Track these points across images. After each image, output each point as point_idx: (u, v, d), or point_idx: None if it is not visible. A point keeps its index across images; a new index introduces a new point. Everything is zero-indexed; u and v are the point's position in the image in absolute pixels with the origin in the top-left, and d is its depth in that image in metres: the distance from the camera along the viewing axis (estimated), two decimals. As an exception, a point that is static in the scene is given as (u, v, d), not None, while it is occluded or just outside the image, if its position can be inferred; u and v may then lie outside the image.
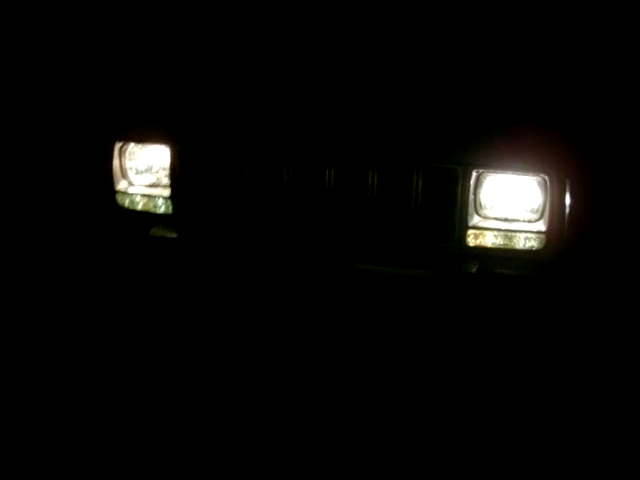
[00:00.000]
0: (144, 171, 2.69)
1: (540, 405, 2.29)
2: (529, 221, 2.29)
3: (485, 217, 2.32)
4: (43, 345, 2.74)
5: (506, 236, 2.31)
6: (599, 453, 2.07)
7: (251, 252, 2.51)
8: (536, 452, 2.09)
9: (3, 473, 2.00)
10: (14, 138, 3.33)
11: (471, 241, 2.33)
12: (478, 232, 2.32)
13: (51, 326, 2.87)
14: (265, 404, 2.35)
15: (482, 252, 2.33)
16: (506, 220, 2.31)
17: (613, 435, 2.15)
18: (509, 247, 2.30)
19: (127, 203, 2.71)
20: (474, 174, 2.28)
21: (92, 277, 3.07)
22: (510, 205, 2.31)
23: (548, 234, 2.26)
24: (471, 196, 2.30)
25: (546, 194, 2.25)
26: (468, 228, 2.32)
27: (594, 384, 2.34)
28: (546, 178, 2.23)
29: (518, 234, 2.30)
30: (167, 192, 2.64)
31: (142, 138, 2.64)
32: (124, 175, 2.69)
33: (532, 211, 2.29)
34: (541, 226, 2.27)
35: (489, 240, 2.32)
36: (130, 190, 2.70)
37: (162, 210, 2.67)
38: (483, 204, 2.31)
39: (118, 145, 2.65)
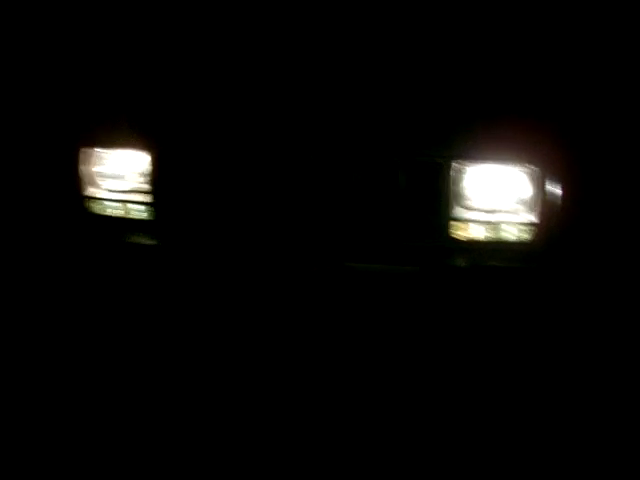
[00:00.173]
0: (118, 177, 2.59)
1: (536, 399, 2.27)
2: (517, 212, 2.25)
3: (472, 209, 2.27)
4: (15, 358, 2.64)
5: (494, 228, 2.27)
6: (593, 448, 2.06)
7: (238, 255, 2.44)
8: (528, 447, 2.08)
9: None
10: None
11: (458, 235, 2.28)
12: (465, 225, 2.27)
13: (24, 339, 2.77)
14: (255, 407, 2.29)
15: (470, 245, 2.28)
16: (493, 212, 2.27)
17: (608, 430, 2.14)
18: (497, 239, 2.26)
19: (99, 210, 2.61)
20: (459, 167, 2.23)
21: (63, 286, 2.95)
22: (497, 197, 2.26)
23: (537, 224, 2.22)
24: (456, 189, 2.25)
25: (534, 184, 2.21)
26: (454, 221, 2.27)
27: (589, 375, 2.33)
28: (534, 169, 2.19)
29: (506, 226, 2.25)
30: (144, 197, 2.55)
31: (116, 143, 2.53)
32: (95, 181, 2.59)
33: (520, 202, 2.24)
34: (529, 217, 2.23)
35: (477, 233, 2.27)
36: (102, 196, 2.60)
37: (138, 216, 2.58)
38: (470, 197, 2.26)
39: (89, 150, 2.55)
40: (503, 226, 2.26)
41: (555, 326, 2.29)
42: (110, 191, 2.59)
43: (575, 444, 2.09)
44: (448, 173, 2.22)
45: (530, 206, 2.23)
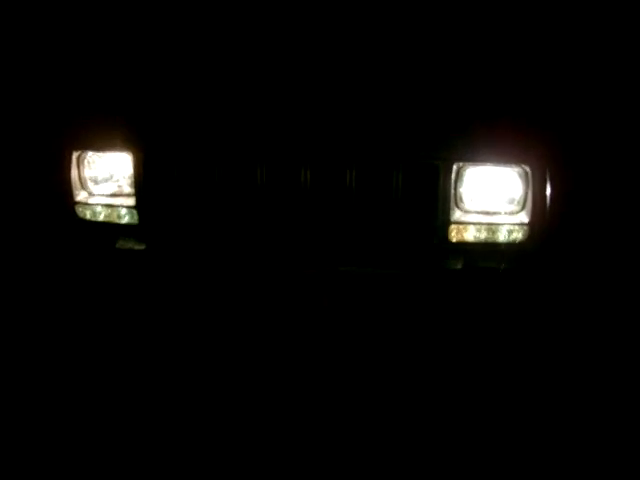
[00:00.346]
0: (105, 180, 2.54)
1: (534, 399, 2.27)
2: (511, 213, 2.27)
3: (467, 211, 2.28)
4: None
5: (489, 229, 2.28)
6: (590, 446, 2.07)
7: (226, 260, 2.40)
8: (526, 446, 2.08)
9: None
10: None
11: (454, 236, 2.29)
12: (461, 227, 2.28)
13: (15, 342, 2.69)
14: (248, 410, 2.26)
15: (466, 247, 2.29)
16: (488, 213, 2.29)
17: (603, 426, 2.16)
18: (493, 240, 2.28)
19: (88, 214, 2.55)
20: (455, 168, 2.24)
21: (54, 292, 2.88)
22: (492, 198, 2.28)
23: (531, 225, 2.24)
24: (453, 191, 2.25)
25: (527, 185, 2.23)
26: (451, 223, 2.28)
27: (584, 374, 2.34)
28: (527, 169, 2.21)
29: (501, 227, 2.27)
30: (131, 201, 2.50)
31: (101, 146, 2.48)
32: (83, 185, 2.53)
33: (514, 203, 2.26)
34: (524, 217, 2.25)
35: (472, 234, 2.28)
36: (90, 201, 2.54)
37: (126, 220, 2.53)
38: (465, 198, 2.28)
39: (76, 154, 2.49)
40: (498, 227, 2.27)
41: (549, 324, 2.31)
42: (99, 195, 2.54)
43: (567, 441, 2.10)
44: (445, 174, 2.23)
45: (525, 207, 2.25)
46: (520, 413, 2.23)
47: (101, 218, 2.54)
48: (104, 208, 2.54)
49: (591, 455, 2.03)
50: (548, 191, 2.21)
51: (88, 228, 2.56)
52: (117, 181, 2.53)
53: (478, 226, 2.28)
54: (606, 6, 2.63)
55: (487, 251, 2.28)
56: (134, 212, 2.50)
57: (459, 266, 2.27)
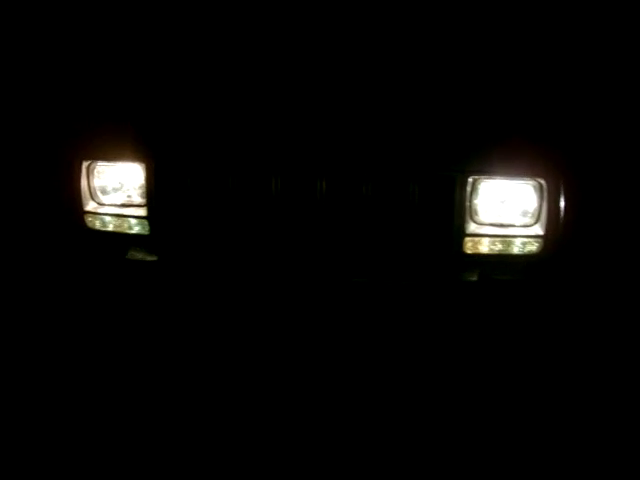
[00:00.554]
0: (115, 190, 2.51)
1: (546, 407, 2.29)
2: (525, 226, 2.29)
3: (483, 224, 2.30)
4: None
5: (504, 242, 2.29)
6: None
7: (241, 270, 2.39)
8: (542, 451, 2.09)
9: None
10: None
11: (469, 248, 2.30)
12: (476, 239, 2.30)
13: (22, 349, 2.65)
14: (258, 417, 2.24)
15: (481, 259, 2.31)
16: (503, 226, 2.30)
17: (612, 434, 2.17)
18: (508, 252, 2.29)
19: (97, 224, 2.52)
20: (470, 181, 2.25)
21: (63, 301, 2.84)
22: (507, 211, 2.29)
23: (545, 237, 2.26)
24: (468, 203, 2.27)
25: (542, 198, 2.24)
26: (466, 235, 2.29)
27: (598, 383, 2.36)
28: (542, 182, 2.23)
29: (516, 239, 2.29)
30: (142, 211, 2.48)
31: (112, 156, 2.45)
32: (93, 195, 2.51)
33: (528, 215, 2.28)
34: (538, 230, 2.27)
35: (488, 247, 2.30)
36: (100, 210, 2.51)
37: (137, 231, 2.50)
38: (480, 211, 2.29)
39: (85, 164, 2.46)
40: (513, 240, 2.29)
41: (564, 334, 2.33)
42: (108, 205, 2.51)
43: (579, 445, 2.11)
44: (461, 187, 2.24)
45: (539, 220, 2.27)
46: (534, 419, 2.24)
47: (111, 228, 2.52)
48: (114, 218, 2.51)
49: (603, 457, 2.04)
50: (562, 204, 2.23)
51: (97, 238, 2.54)
52: (127, 191, 2.51)
53: (493, 238, 2.29)
54: (619, 26, 2.66)
55: (502, 263, 2.30)
56: (145, 222, 2.48)
57: (474, 278, 2.28)
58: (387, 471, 2.03)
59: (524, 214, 2.29)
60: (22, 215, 2.97)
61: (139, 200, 2.48)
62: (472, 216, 2.29)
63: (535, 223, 2.28)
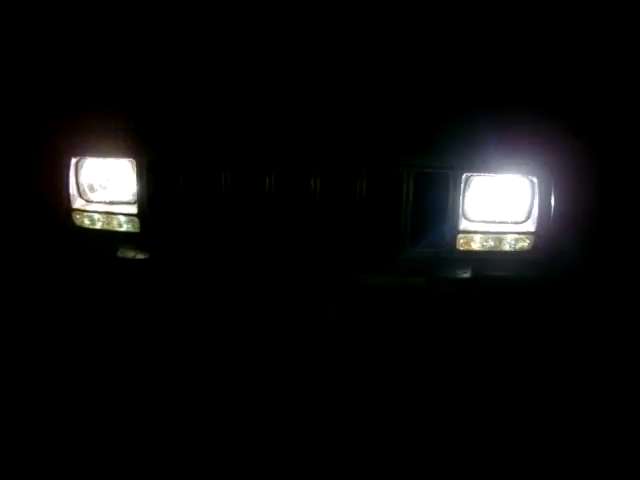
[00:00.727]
0: (104, 187, 2.47)
1: (541, 402, 2.32)
2: (517, 222, 2.32)
3: (475, 221, 2.32)
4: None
5: (496, 238, 2.32)
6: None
7: (234, 268, 2.37)
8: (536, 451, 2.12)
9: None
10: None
11: (463, 245, 2.32)
12: (469, 236, 2.32)
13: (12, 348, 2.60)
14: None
15: (474, 256, 2.33)
16: (495, 223, 2.33)
17: (603, 425, 2.21)
18: (500, 249, 2.32)
19: (86, 222, 2.48)
20: (463, 178, 2.27)
21: (52, 299, 2.79)
22: (499, 207, 2.32)
23: (537, 234, 2.30)
24: (461, 200, 2.28)
25: (533, 195, 2.28)
26: (459, 232, 2.31)
27: (592, 377, 2.41)
28: (533, 179, 2.26)
29: (508, 236, 2.31)
30: (132, 209, 2.44)
31: (101, 152, 2.41)
32: (81, 192, 2.46)
33: (520, 212, 2.31)
34: (530, 226, 2.30)
35: (481, 243, 2.32)
36: (89, 208, 2.47)
37: (126, 228, 2.47)
38: (473, 208, 2.31)
39: (74, 160, 2.42)
40: (505, 236, 2.32)
41: (556, 329, 2.37)
42: (97, 203, 2.47)
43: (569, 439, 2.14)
44: (454, 184, 2.26)
45: (531, 216, 2.30)
46: (526, 412, 2.27)
47: (100, 226, 2.48)
48: (103, 216, 2.47)
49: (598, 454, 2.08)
50: (553, 201, 2.27)
51: (86, 236, 2.49)
52: (117, 188, 2.47)
53: (486, 235, 2.32)
54: (610, 28, 2.71)
55: (495, 259, 2.33)
56: (135, 220, 2.45)
57: (468, 275, 2.30)
58: (380, 463, 2.04)
59: (516, 211, 2.31)
60: (8, 213, 2.90)
61: (129, 197, 2.45)
62: (465, 213, 2.31)
63: (526, 220, 2.31)
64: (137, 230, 2.45)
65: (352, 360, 2.45)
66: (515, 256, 2.33)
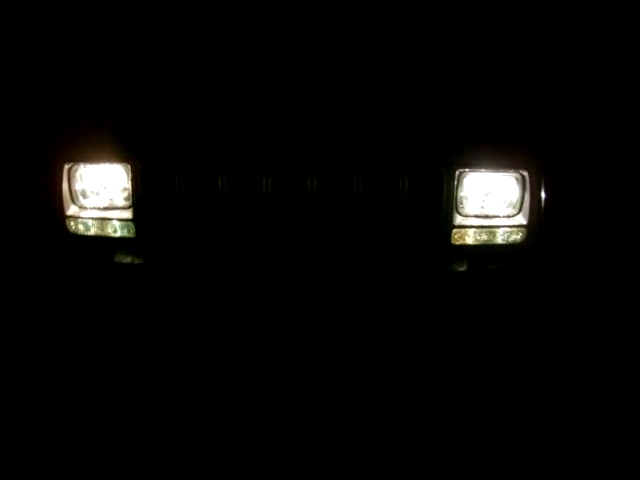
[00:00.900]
0: (98, 193, 2.46)
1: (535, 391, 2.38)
2: (509, 216, 2.38)
3: (469, 215, 2.38)
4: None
5: (490, 232, 2.38)
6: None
7: (233, 269, 2.38)
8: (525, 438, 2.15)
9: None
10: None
11: (458, 240, 2.37)
12: (464, 230, 2.37)
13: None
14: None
15: (469, 249, 2.38)
16: (488, 217, 2.39)
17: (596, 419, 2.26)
18: (494, 242, 2.38)
19: (80, 228, 2.46)
20: (457, 174, 2.32)
21: (48, 309, 2.75)
22: (491, 202, 2.38)
23: (528, 227, 2.37)
24: (455, 196, 2.34)
25: (524, 189, 2.34)
26: (454, 227, 2.36)
27: (585, 366, 2.47)
28: (524, 174, 2.33)
29: (501, 229, 2.38)
30: (127, 214, 2.43)
31: (96, 158, 2.40)
32: (75, 198, 2.44)
33: (512, 206, 2.38)
34: (521, 219, 2.37)
35: (475, 237, 2.38)
36: (83, 214, 2.45)
37: (121, 234, 2.45)
38: (466, 203, 2.37)
39: (67, 166, 2.40)
40: (498, 230, 2.38)
41: (548, 317, 2.44)
42: (91, 209, 2.45)
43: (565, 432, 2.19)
44: (448, 180, 2.31)
45: (522, 210, 2.37)
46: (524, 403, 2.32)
47: (94, 232, 2.46)
48: (97, 222, 2.46)
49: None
50: (543, 194, 2.34)
51: (80, 243, 2.47)
52: (110, 194, 2.45)
53: (480, 229, 2.38)
54: (594, 31, 2.80)
55: (489, 252, 2.39)
56: (130, 225, 2.44)
57: (463, 268, 2.36)
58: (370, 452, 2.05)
59: (508, 205, 2.38)
60: (3, 221, 2.85)
61: (123, 203, 2.44)
62: (458, 208, 2.37)
63: (518, 213, 2.38)
64: (132, 235, 2.44)
65: (353, 353, 2.48)
66: (508, 249, 2.39)
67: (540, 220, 2.37)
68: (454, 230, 2.37)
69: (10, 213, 2.81)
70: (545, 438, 2.12)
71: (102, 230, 2.46)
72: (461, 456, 2.03)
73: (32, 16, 2.91)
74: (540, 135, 2.36)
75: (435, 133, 2.35)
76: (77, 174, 2.43)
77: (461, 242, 2.38)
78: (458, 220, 2.37)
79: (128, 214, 2.43)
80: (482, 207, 2.39)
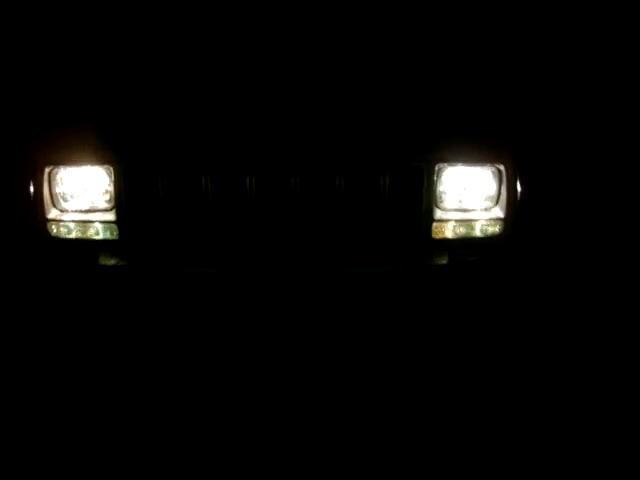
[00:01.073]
0: (79, 196, 2.45)
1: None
2: (487, 209, 2.46)
3: (448, 209, 2.44)
4: None
5: (469, 225, 2.45)
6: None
7: (219, 268, 2.40)
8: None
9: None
10: None
11: (438, 233, 2.43)
12: (444, 224, 2.44)
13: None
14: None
15: (449, 243, 2.45)
16: (466, 210, 2.46)
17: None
18: (473, 235, 2.45)
19: (62, 232, 2.44)
20: (436, 170, 2.39)
21: (31, 313, 2.72)
22: (470, 196, 2.45)
23: (505, 219, 2.44)
24: (435, 191, 2.40)
25: (501, 183, 2.42)
26: (434, 221, 2.42)
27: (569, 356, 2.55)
28: (500, 168, 2.40)
29: (479, 222, 2.45)
30: (109, 216, 2.43)
31: (76, 160, 2.39)
32: (55, 202, 2.43)
33: (489, 199, 2.45)
34: (498, 212, 2.44)
35: (455, 231, 2.44)
36: (64, 217, 2.44)
37: (104, 236, 2.45)
38: (446, 197, 2.43)
39: (47, 169, 2.38)
40: (476, 223, 2.45)
41: (528, 306, 2.52)
42: (73, 212, 2.44)
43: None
44: (428, 176, 2.37)
45: (499, 203, 2.44)
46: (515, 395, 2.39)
47: (76, 235, 2.45)
48: (79, 225, 2.45)
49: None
50: (519, 187, 2.42)
51: (62, 246, 2.46)
52: (92, 196, 2.45)
53: (459, 223, 2.44)
54: (566, 29, 2.90)
55: (469, 245, 2.46)
56: (113, 227, 2.43)
57: (444, 261, 2.42)
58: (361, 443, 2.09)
59: (485, 198, 2.45)
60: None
61: (105, 205, 2.44)
62: (438, 203, 2.43)
63: (495, 206, 2.46)
64: (116, 237, 2.44)
65: (340, 347, 2.52)
66: (487, 241, 2.47)
67: (516, 212, 2.44)
68: (434, 224, 2.43)
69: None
70: (528, 429, 2.16)
71: (84, 233, 2.45)
72: (446, 447, 2.07)
73: (11, 15, 2.87)
74: (515, 130, 2.44)
75: (414, 130, 2.41)
76: (58, 177, 2.41)
77: (441, 236, 2.44)
78: (438, 214, 2.43)
79: (111, 216, 2.43)
80: (460, 201, 2.46)
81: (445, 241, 2.45)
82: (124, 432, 2.13)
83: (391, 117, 2.45)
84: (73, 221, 2.44)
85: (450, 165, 2.40)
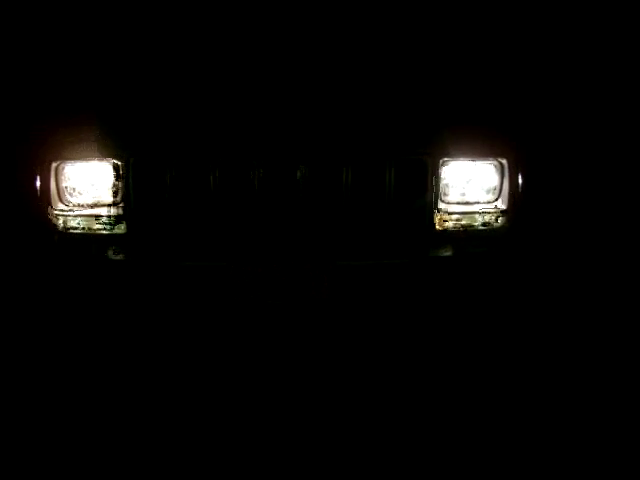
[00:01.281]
0: (86, 191, 2.45)
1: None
2: (489, 202, 2.50)
3: (452, 202, 2.49)
4: None
5: (472, 217, 2.49)
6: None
7: (227, 261, 2.42)
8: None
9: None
10: None
11: (442, 226, 2.48)
12: (448, 217, 2.48)
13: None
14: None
15: (453, 235, 2.49)
16: (469, 203, 2.50)
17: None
18: (476, 227, 2.50)
19: (69, 226, 2.45)
20: (440, 163, 2.43)
21: (37, 308, 2.73)
22: (473, 189, 2.49)
23: (508, 211, 2.49)
24: (439, 184, 2.44)
25: (503, 176, 2.47)
26: (438, 214, 2.47)
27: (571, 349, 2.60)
28: (503, 161, 2.45)
29: (482, 214, 2.49)
30: (115, 210, 2.44)
31: (84, 155, 2.40)
32: (62, 197, 2.44)
33: (491, 193, 2.49)
34: (501, 205, 2.49)
35: (459, 223, 2.49)
36: (71, 212, 2.45)
37: (111, 230, 2.46)
38: (449, 190, 2.47)
39: (54, 165, 2.39)
40: (480, 215, 2.50)
41: (530, 296, 2.57)
42: (80, 206, 2.45)
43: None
44: (432, 169, 2.41)
45: (501, 195, 2.49)
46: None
47: (83, 230, 2.46)
48: (86, 219, 2.46)
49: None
50: (521, 180, 2.47)
51: (70, 241, 2.47)
52: (99, 191, 2.45)
53: (462, 215, 2.49)
54: (568, 25, 2.95)
55: (473, 237, 2.50)
56: (121, 221, 2.45)
57: (448, 253, 2.47)
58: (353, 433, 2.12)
59: (488, 191, 2.50)
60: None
61: (113, 199, 2.44)
62: (442, 196, 2.47)
63: (497, 199, 2.50)
64: (124, 231, 2.45)
65: (347, 339, 2.56)
66: (490, 233, 2.51)
67: (518, 205, 2.50)
68: (438, 217, 2.48)
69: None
70: (527, 423, 2.19)
71: (92, 228, 2.46)
72: (444, 440, 2.09)
73: (14, 12, 2.87)
74: (518, 125, 2.49)
75: (419, 124, 2.46)
76: (65, 172, 2.42)
77: (445, 228, 2.49)
78: (442, 207, 2.48)
79: (118, 210, 2.44)
80: (464, 194, 2.50)
81: (449, 233, 2.49)
82: (127, 423, 2.17)
83: (396, 112, 2.49)
84: (80, 216, 2.45)
85: (454, 159, 2.44)
